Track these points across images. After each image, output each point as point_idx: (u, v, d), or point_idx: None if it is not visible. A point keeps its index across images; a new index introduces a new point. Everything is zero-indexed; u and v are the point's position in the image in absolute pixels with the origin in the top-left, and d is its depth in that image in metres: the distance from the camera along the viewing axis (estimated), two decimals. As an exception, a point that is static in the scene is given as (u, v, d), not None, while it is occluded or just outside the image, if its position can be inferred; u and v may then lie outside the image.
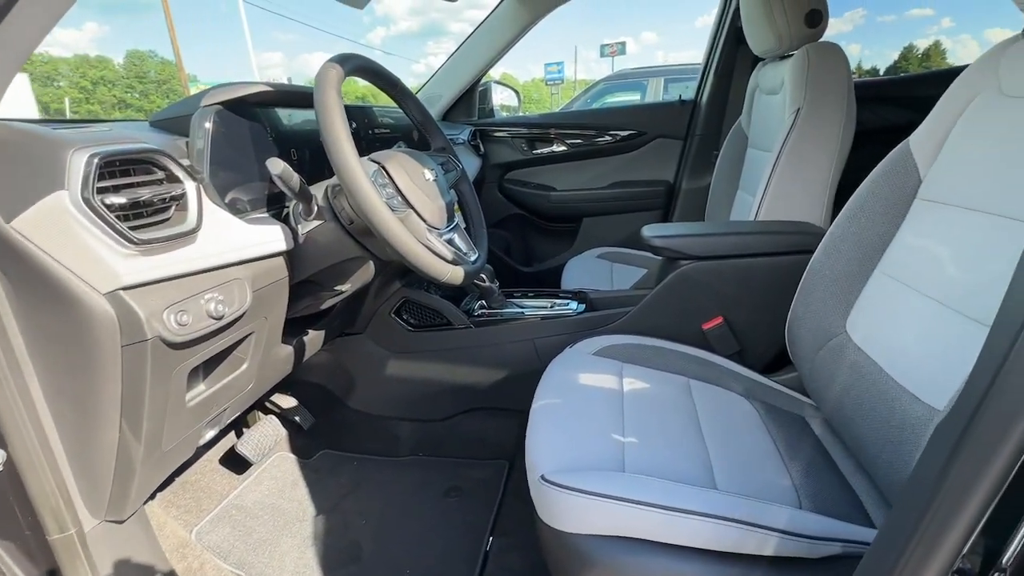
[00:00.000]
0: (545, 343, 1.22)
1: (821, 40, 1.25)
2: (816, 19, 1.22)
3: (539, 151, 2.07)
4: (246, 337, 0.84)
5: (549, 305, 1.27)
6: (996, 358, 0.35)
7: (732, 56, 1.81)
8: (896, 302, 0.76)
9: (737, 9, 1.64)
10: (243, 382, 0.88)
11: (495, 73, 2.06)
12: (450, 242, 0.92)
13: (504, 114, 2.25)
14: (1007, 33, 0.72)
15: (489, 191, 2.12)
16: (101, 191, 0.59)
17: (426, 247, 0.83)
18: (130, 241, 0.60)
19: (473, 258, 0.97)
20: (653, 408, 0.87)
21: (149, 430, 0.69)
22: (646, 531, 0.63)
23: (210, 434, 0.90)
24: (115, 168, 0.62)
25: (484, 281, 1.19)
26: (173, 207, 0.67)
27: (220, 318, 0.70)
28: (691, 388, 0.94)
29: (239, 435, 1.27)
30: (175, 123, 0.81)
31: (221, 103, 0.80)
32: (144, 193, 0.63)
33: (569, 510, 0.65)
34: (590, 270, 1.64)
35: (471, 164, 1.81)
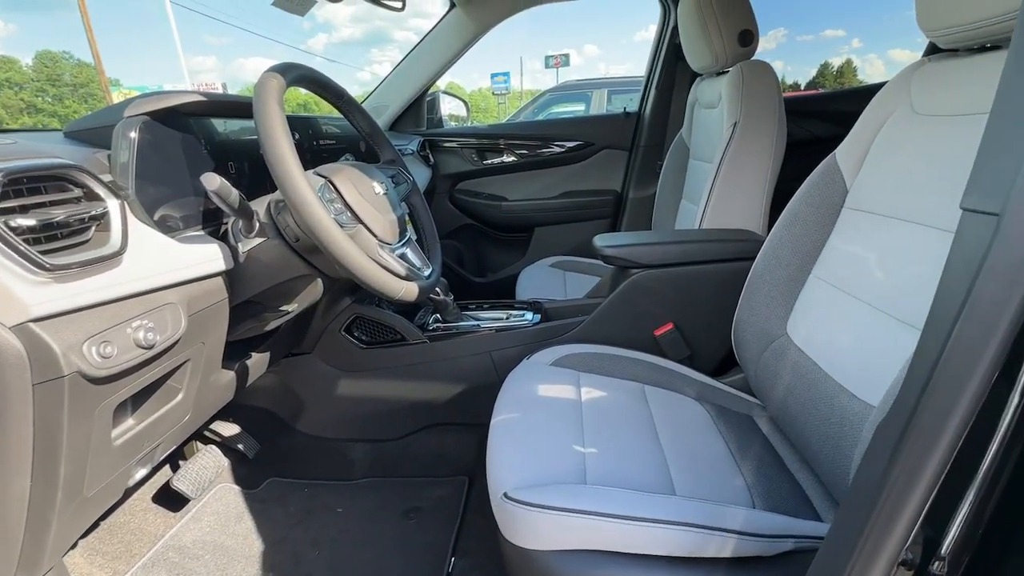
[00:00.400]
0: (502, 355, 1.21)
1: (753, 58, 1.33)
2: (748, 38, 1.29)
3: (489, 161, 2.07)
4: (181, 365, 0.78)
5: (505, 316, 1.27)
6: (928, 361, 0.37)
7: (672, 71, 1.89)
8: (831, 305, 0.81)
9: (675, 27, 1.71)
10: (179, 414, 0.81)
11: (440, 83, 2.05)
12: (403, 257, 0.89)
13: (453, 124, 2.24)
14: (908, 53, 0.80)
15: (440, 201, 2.10)
16: (5, 212, 0.53)
17: (378, 264, 0.81)
18: (41, 267, 0.53)
19: (427, 273, 0.95)
20: (611, 416, 0.88)
21: (68, 475, 0.62)
22: (611, 543, 0.63)
23: (141, 473, 0.82)
24: (22, 186, 0.55)
25: (438, 294, 1.17)
26: (93, 227, 0.61)
27: (150, 347, 0.64)
28: (646, 394, 0.96)
29: (175, 469, 1.18)
30: (94, 134, 0.74)
31: (148, 113, 0.74)
32: (58, 213, 0.57)
33: (533, 527, 0.64)
34: (544, 279, 1.65)
35: (421, 174, 1.78)
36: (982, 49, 0.67)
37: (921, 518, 0.39)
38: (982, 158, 0.36)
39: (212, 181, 0.69)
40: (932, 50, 0.87)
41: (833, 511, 0.73)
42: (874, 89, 0.83)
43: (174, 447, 0.91)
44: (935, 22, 0.66)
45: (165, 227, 0.72)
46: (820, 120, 1.79)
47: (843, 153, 0.85)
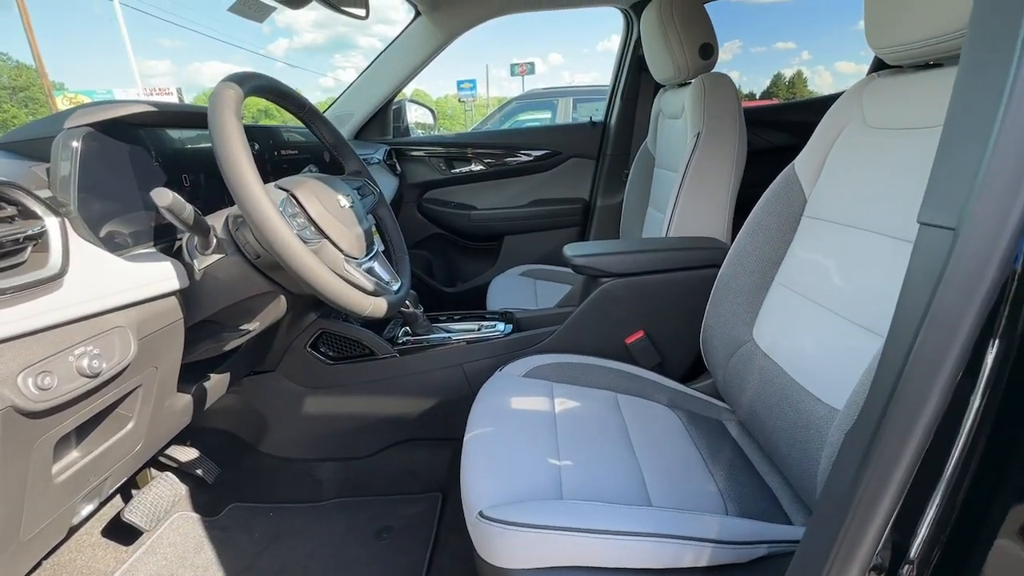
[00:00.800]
0: (474, 367, 1.19)
1: (713, 70, 1.37)
2: (708, 52, 1.33)
3: (457, 170, 2.06)
4: (132, 391, 0.73)
5: (476, 328, 1.25)
6: (893, 370, 0.38)
7: (636, 81, 1.93)
8: (794, 311, 0.83)
9: (639, 39, 1.75)
10: (129, 443, 0.76)
11: (406, 91, 2.02)
12: (370, 272, 0.87)
13: (420, 132, 2.21)
14: (853, 65, 0.84)
15: (408, 210, 2.07)
16: None
17: (344, 280, 0.78)
18: None
19: (396, 287, 0.92)
20: (585, 427, 0.88)
21: (1, 519, 0.56)
22: (588, 558, 0.62)
23: (87, 509, 0.76)
24: None
25: (408, 307, 1.14)
26: (29, 248, 0.56)
27: (96, 375, 0.60)
28: (619, 403, 0.96)
29: (127, 499, 1.11)
30: (30, 146, 0.69)
31: (91, 124, 0.70)
32: None
33: (509, 545, 0.63)
34: (514, 288, 1.65)
35: (388, 184, 1.75)
36: (926, 66, 0.70)
37: (890, 524, 0.40)
38: (936, 174, 0.37)
39: (163, 197, 0.65)
40: (878, 65, 0.91)
41: (802, 514, 0.74)
42: (828, 100, 0.87)
43: (125, 478, 0.85)
44: (883, 40, 0.69)
45: (112, 245, 0.68)
46: (778, 130, 1.86)
47: (801, 164, 0.88)
